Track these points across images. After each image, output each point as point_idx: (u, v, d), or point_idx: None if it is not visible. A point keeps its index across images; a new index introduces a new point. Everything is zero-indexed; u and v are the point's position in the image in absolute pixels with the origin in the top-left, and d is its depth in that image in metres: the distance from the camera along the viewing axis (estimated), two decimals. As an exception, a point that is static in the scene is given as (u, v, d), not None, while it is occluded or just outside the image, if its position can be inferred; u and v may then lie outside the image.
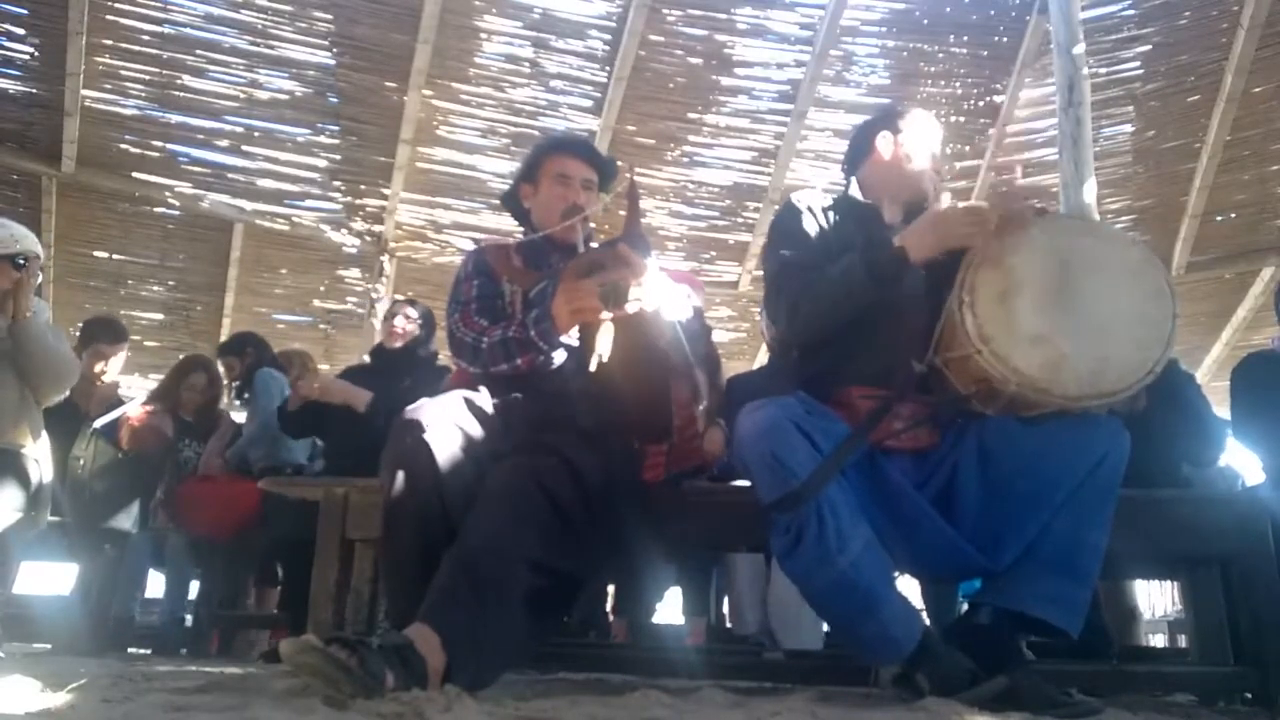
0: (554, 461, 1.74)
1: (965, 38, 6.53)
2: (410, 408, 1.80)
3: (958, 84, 6.77)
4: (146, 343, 7.08)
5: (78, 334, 4.20)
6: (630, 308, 1.80)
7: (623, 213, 2.28)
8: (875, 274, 1.84)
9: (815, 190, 2.19)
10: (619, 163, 2.43)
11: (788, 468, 1.67)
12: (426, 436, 1.72)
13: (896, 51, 6.56)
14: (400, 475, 1.72)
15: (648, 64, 6.28)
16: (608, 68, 6.26)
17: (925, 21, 6.48)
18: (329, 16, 6.02)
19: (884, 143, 2.12)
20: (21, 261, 2.94)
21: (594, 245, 2.27)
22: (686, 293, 2.10)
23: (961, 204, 1.92)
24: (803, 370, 1.99)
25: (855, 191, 2.13)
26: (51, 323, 3.28)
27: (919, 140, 2.11)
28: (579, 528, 1.72)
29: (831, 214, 2.07)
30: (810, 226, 2.04)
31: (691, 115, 6.56)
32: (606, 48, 6.23)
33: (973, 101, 6.79)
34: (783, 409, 1.74)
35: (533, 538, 1.63)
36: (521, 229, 2.28)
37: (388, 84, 6.25)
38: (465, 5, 6.04)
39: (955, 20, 6.48)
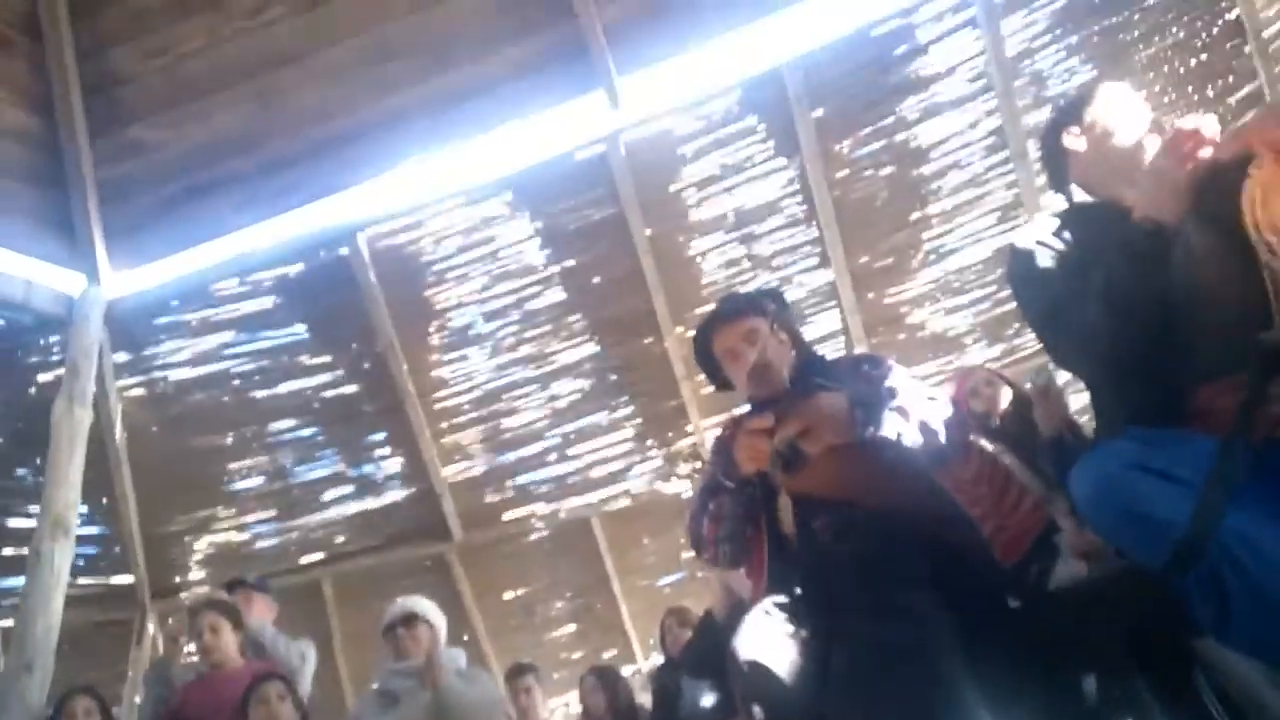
0: (907, 624, 1.69)
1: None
2: (733, 642, 1.92)
3: (1175, 29, 6.04)
4: (565, 655, 7.71)
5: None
6: (809, 456, 1.91)
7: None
8: (1135, 258, 1.63)
9: (1032, 224, 2.03)
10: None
11: (1156, 519, 1.41)
12: (761, 659, 1.82)
13: (1083, 44, 6.07)
14: (755, 704, 1.82)
15: (845, 199, 6.34)
16: (814, 221, 6.41)
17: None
18: (578, 315, 6.85)
19: (1071, 139, 1.99)
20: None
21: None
22: (927, 394, 2.12)
23: (1176, 125, 1.68)
24: (1132, 399, 1.71)
25: (1080, 196, 1.99)
26: (467, 667, 3.60)
27: (1107, 112, 1.96)
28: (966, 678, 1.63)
29: (1066, 232, 1.91)
30: (1046, 260, 1.89)
31: (914, 216, 6.41)
32: (803, 206, 6.42)
33: (1206, 33, 5.98)
34: (1114, 457, 1.52)
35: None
36: None
37: (646, 341, 6.84)
38: (673, 244, 6.59)
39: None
